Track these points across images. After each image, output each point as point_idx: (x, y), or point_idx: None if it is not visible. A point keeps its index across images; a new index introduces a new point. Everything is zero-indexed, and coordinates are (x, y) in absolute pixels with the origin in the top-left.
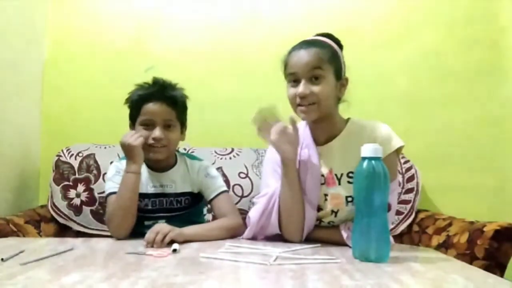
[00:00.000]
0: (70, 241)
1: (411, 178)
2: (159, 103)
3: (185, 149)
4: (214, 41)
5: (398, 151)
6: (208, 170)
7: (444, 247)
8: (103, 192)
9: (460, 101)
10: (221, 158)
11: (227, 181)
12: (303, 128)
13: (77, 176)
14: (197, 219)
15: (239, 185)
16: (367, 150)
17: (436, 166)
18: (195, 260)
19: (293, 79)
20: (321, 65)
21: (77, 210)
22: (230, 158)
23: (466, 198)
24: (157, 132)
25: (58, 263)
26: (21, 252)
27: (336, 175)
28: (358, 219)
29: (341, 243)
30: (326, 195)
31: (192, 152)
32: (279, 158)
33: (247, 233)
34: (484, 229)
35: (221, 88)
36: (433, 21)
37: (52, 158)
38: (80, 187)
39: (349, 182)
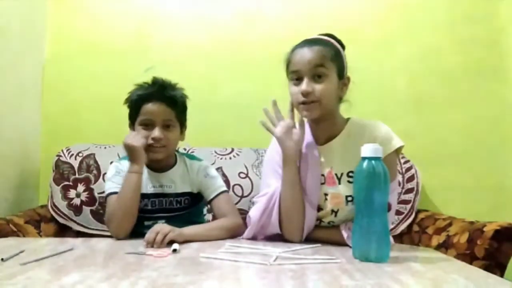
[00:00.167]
0: (70, 241)
1: (411, 178)
2: (158, 103)
3: (185, 149)
4: (214, 40)
5: (398, 151)
6: (208, 170)
7: (444, 247)
8: (103, 192)
9: (460, 101)
10: (221, 158)
11: (227, 181)
12: (304, 127)
13: (77, 176)
14: (197, 219)
15: (239, 185)
16: (367, 150)
17: (436, 166)
18: (195, 260)
19: (296, 77)
20: (324, 63)
21: (77, 210)
22: (230, 158)
23: (466, 198)
24: (156, 132)
25: (58, 263)
26: (21, 252)
27: (336, 174)
28: (358, 219)
29: (341, 243)
30: (326, 194)
31: (192, 152)
32: (279, 158)
33: (247, 232)
34: (484, 229)
35: (221, 88)
36: (433, 21)
37: (52, 158)
38: (80, 187)
39: (349, 181)
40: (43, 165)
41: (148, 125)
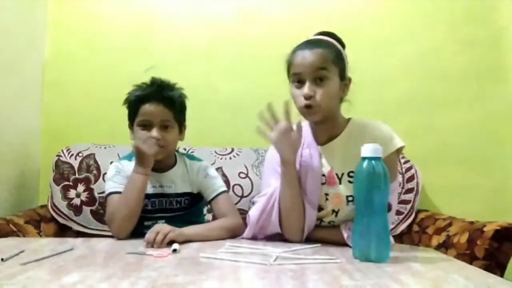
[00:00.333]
0: (70, 241)
1: (411, 178)
2: (155, 103)
3: (185, 149)
4: (214, 40)
5: (399, 151)
6: (208, 171)
7: (444, 247)
8: (103, 192)
9: (460, 101)
10: (221, 158)
11: (227, 181)
12: (305, 127)
13: (77, 176)
14: (197, 219)
15: (239, 185)
16: (367, 150)
17: (436, 166)
18: (195, 260)
19: (297, 79)
20: (326, 66)
21: (77, 210)
22: (230, 158)
23: (466, 198)
24: (154, 133)
25: (58, 263)
26: (21, 252)
27: (337, 174)
28: (358, 219)
29: (341, 243)
30: (327, 194)
31: (192, 152)
32: (279, 158)
33: (247, 232)
34: (484, 229)
35: (221, 88)
36: (433, 21)
37: (52, 158)
38: (80, 187)
39: (349, 181)
40: (43, 165)
41: (146, 126)
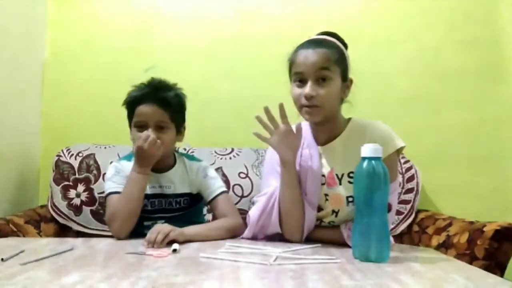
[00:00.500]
0: (70, 241)
1: (411, 178)
2: (150, 104)
3: (185, 149)
4: (214, 40)
5: (399, 151)
6: (207, 171)
7: (444, 247)
8: (103, 192)
9: (460, 101)
10: (221, 158)
11: (227, 181)
12: (305, 127)
13: (77, 176)
14: (197, 219)
15: (239, 185)
16: (367, 150)
17: (436, 166)
18: (195, 260)
19: (299, 79)
20: (329, 66)
21: (77, 210)
22: (230, 158)
23: (466, 198)
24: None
25: (58, 263)
26: (21, 252)
27: (337, 175)
28: (358, 219)
29: (341, 243)
30: (326, 195)
31: (192, 152)
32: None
33: (247, 232)
34: (484, 229)
35: (221, 88)
36: (433, 21)
37: (52, 158)
38: (80, 187)
39: (350, 182)
40: (43, 165)
41: (142, 127)
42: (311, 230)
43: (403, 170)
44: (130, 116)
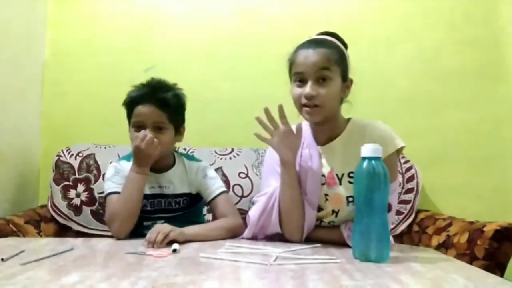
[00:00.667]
0: (70, 241)
1: (411, 178)
2: (148, 105)
3: (185, 149)
4: (214, 40)
5: (399, 151)
6: (207, 171)
7: (444, 247)
8: (103, 192)
9: (460, 101)
10: (221, 158)
11: (227, 181)
12: (305, 127)
13: (77, 176)
14: (197, 219)
15: (239, 185)
16: (367, 150)
17: (436, 166)
18: (195, 260)
19: (299, 79)
20: (329, 66)
21: (77, 210)
22: (230, 158)
23: (466, 198)
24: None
25: (58, 263)
26: (21, 252)
27: (337, 175)
28: (358, 219)
29: (341, 243)
30: (326, 195)
31: (192, 152)
32: (279, 158)
33: (247, 232)
34: (484, 229)
35: (221, 88)
36: (433, 21)
37: (52, 158)
38: (80, 187)
39: (350, 182)
40: (43, 165)
41: (140, 127)
42: (311, 230)
43: (403, 170)
44: (129, 116)
